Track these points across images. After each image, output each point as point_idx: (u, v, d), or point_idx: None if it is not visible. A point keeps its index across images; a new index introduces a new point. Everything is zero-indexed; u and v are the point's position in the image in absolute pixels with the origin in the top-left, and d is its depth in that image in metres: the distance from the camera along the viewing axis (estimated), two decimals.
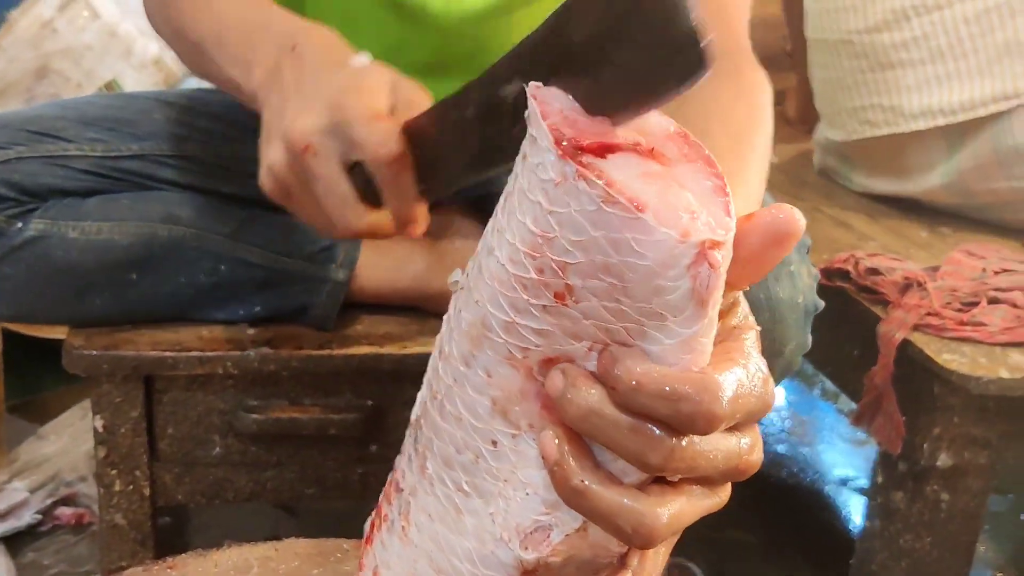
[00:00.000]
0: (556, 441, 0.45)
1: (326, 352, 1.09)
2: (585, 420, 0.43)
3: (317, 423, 1.11)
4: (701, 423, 0.42)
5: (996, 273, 1.30)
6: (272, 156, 0.74)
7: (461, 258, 1.15)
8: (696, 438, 0.43)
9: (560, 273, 0.42)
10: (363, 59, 0.78)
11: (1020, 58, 1.47)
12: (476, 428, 0.48)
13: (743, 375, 0.43)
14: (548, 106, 0.43)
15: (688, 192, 0.41)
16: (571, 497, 0.45)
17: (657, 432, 0.42)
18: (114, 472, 1.12)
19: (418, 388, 0.54)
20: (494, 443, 0.48)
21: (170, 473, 1.14)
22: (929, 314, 1.19)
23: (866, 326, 1.23)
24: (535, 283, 0.43)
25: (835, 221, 1.60)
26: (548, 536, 0.47)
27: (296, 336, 1.11)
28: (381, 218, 0.74)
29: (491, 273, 0.45)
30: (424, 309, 1.15)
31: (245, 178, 1.01)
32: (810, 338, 0.99)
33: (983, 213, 1.56)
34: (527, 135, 0.43)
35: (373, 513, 0.58)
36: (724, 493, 0.47)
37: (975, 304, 1.22)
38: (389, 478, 0.56)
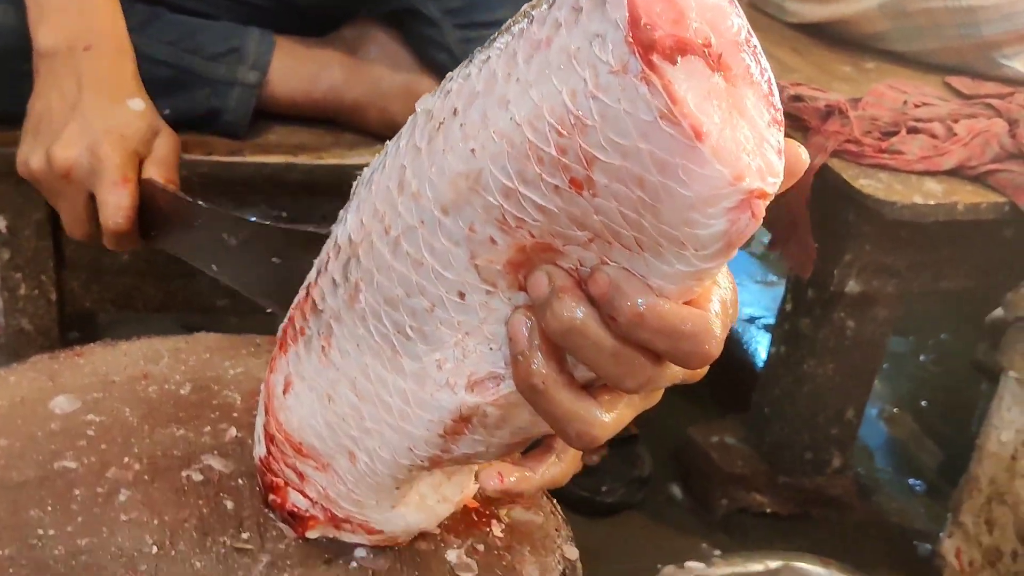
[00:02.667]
0: (527, 330, 0.43)
1: (237, 159, 1.06)
2: (565, 336, 0.42)
3: None
4: (696, 361, 0.41)
5: (917, 106, 1.31)
6: (34, 161, 0.86)
7: (377, 70, 1.12)
8: (671, 364, 0.43)
9: (586, 165, 0.38)
10: (138, 103, 0.88)
11: None
12: (442, 277, 0.45)
13: (725, 296, 0.43)
14: None
15: (747, 123, 0.38)
16: (527, 391, 0.44)
17: (640, 360, 0.42)
18: (19, 275, 1.10)
19: (332, 201, 0.52)
20: (461, 295, 0.45)
21: (77, 279, 1.12)
22: (848, 141, 1.19)
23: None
24: (553, 160, 0.39)
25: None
26: (499, 385, 0.46)
27: (206, 143, 1.07)
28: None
29: (500, 129, 0.40)
30: (338, 121, 1.13)
31: None
32: None
33: (912, 41, 1.54)
34: None
35: (286, 320, 0.57)
36: (658, 395, 0.47)
37: (895, 133, 1.22)
38: (303, 292, 0.55)
